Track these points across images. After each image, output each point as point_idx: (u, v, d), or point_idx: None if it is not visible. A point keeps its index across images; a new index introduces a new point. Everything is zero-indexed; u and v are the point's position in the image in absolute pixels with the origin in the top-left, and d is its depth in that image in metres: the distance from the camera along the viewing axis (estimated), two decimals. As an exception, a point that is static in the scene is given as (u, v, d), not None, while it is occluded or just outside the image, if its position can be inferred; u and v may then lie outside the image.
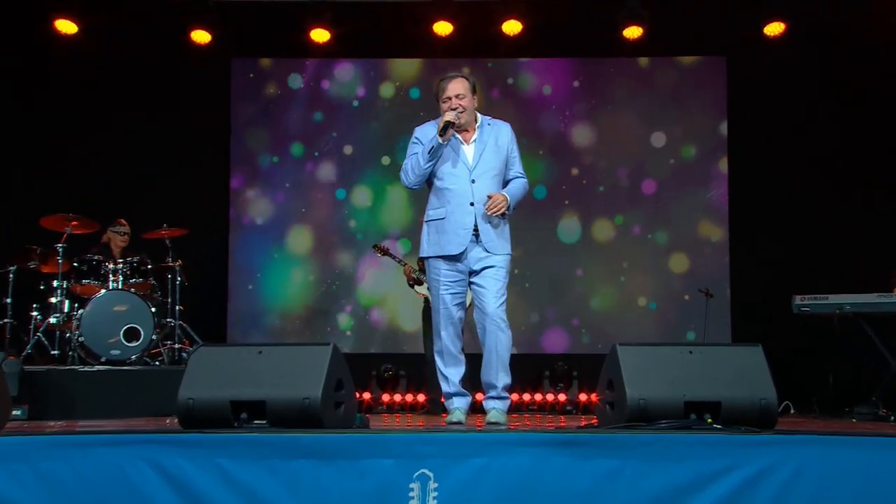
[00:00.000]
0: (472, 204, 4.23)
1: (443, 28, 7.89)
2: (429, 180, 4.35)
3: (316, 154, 8.47)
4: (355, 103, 8.50)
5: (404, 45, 8.33)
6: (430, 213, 4.33)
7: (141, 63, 7.96)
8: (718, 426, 3.32)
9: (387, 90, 8.52)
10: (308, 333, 8.24)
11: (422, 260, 4.55)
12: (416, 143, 4.34)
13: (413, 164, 4.28)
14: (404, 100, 8.47)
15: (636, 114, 8.39)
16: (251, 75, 8.52)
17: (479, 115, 4.41)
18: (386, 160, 8.41)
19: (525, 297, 8.22)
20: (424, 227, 4.36)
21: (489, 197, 4.20)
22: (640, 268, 8.28)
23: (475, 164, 4.27)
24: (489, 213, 4.19)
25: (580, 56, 8.45)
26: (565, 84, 8.45)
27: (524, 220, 7.43)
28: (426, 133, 4.31)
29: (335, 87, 8.53)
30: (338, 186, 8.46)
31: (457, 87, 4.28)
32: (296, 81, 8.51)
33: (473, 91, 4.34)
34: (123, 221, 6.92)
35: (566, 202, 8.36)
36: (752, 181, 8.11)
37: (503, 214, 4.26)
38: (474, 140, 4.33)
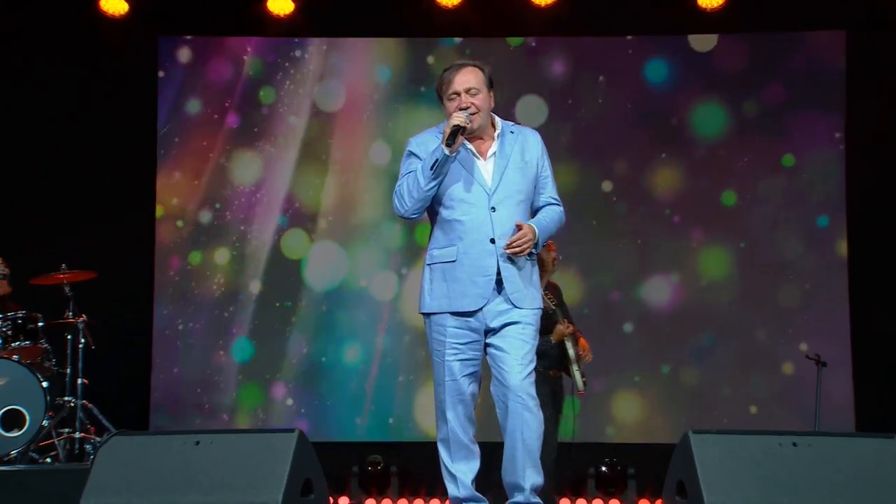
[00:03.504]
0: (492, 241, 4.24)
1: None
2: (432, 208, 4.36)
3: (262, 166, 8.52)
4: (329, 98, 8.59)
5: (395, 19, 8.41)
6: (435, 253, 4.33)
7: (31, 40, 8.07)
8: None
9: (370, 80, 8.59)
10: (263, 417, 8.25)
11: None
12: (411, 157, 4.35)
13: (410, 184, 4.27)
14: (394, 94, 8.56)
15: (714, 110, 8.45)
16: (185, 59, 8.60)
17: (498, 119, 4.44)
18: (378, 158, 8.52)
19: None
20: (426, 271, 4.35)
21: (517, 227, 4.23)
22: (716, 320, 8.31)
23: (495, 185, 4.30)
24: (507, 251, 4.20)
25: (636, 33, 8.52)
26: (614, 71, 8.52)
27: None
28: (425, 145, 4.32)
29: (301, 76, 8.60)
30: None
31: (467, 79, 4.31)
32: (248, 68, 8.58)
33: (490, 85, 4.36)
34: (0, 260, 6.98)
35: (617, 230, 8.43)
36: (880, 196, 8.13)
37: (530, 254, 4.29)
38: (493, 153, 4.35)
